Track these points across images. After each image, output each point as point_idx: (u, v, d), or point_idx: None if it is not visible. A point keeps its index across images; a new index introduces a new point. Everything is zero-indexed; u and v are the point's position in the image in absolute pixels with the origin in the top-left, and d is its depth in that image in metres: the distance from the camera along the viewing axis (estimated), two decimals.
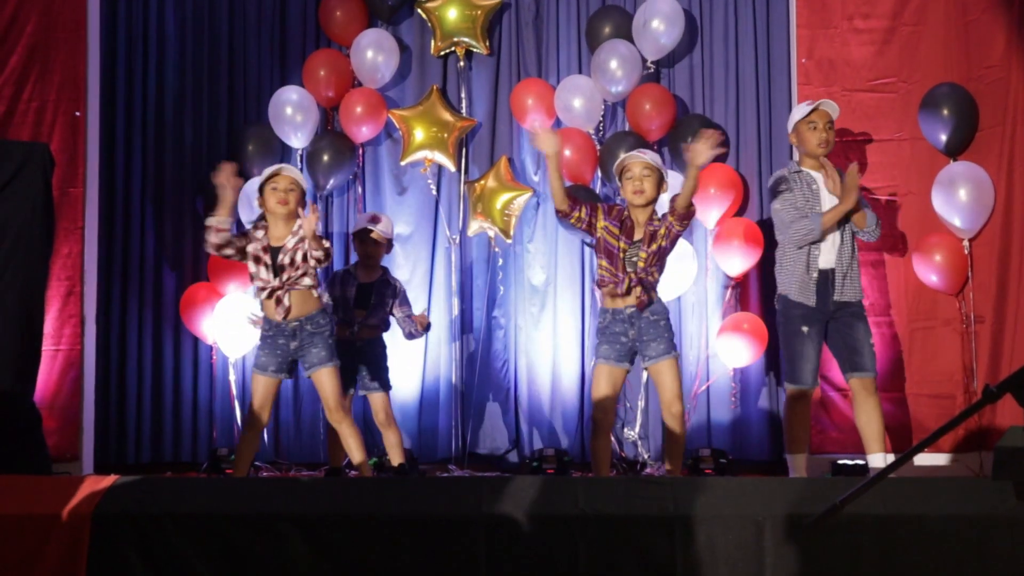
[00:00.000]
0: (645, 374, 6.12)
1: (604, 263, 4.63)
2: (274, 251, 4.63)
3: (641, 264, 4.55)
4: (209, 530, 3.23)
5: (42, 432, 4.74)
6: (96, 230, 6.06)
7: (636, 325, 4.57)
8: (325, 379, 4.67)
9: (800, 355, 4.85)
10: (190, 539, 3.22)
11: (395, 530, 3.23)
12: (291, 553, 3.21)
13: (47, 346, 5.67)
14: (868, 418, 4.84)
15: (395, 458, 5.32)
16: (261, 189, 4.67)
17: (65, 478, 4.06)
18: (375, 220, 5.34)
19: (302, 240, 4.61)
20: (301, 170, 6.34)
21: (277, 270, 4.61)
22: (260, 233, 4.67)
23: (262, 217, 4.74)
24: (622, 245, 4.58)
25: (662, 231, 4.57)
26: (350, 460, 4.89)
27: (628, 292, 4.54)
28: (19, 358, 4.57)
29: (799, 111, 4.95)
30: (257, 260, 4.64)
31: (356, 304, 5.23)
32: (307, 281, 4.63)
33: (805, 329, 4.82)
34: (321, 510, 3.27)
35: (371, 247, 5.29)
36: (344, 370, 5.16)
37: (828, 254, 4.84)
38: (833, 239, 4.85)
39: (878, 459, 4.80)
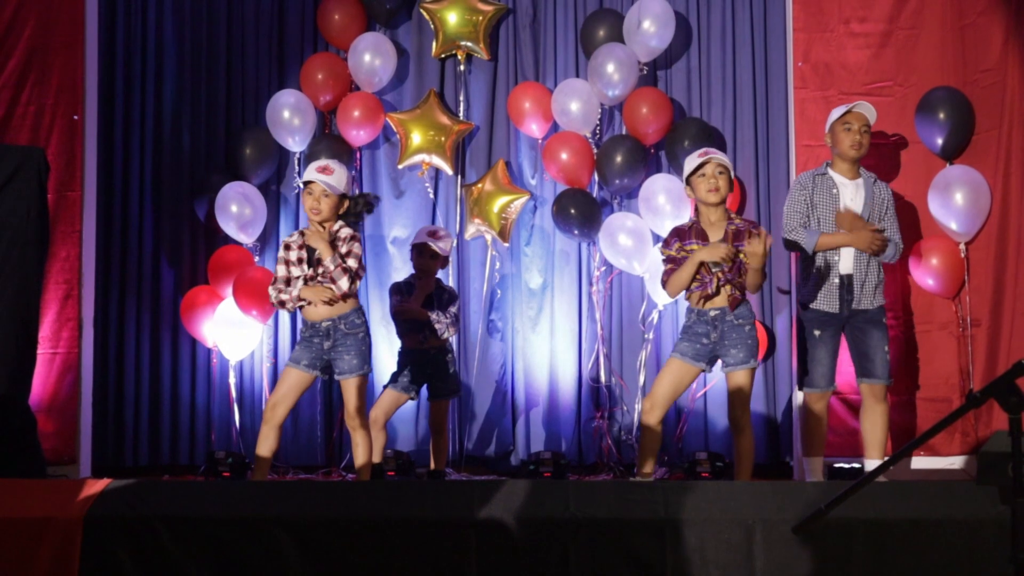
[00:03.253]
0: (642, 377, 6.14)
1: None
2: (311, 248, 4.59)
3: (729, 264, 4.44)
4: (201, 533, 3.24)
5: (36, 435, 4.75)
6: (94, 233, 6.07)
7: (719, 328, 4.47)
8: (352, 387, 4.58)
9: (812, 359, 4.87)
10: (182, 542, 3.23)
11: (386, 534, 3.24)
12: (282, 557, 3.22)
13: (45, 349, 5.68)
14: (872, 425, 4.86)
15: (436, 462, 5.41)
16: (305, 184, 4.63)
17: (57, 481, 4.08)
18: (434, 235, 5.31)
19: (336, 240, 4.57)
20: (299, 173, 6.35)
21: (313, 263, 4.57)
22: (294, 236, 4.65)
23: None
24: (699, 247, 4.49)
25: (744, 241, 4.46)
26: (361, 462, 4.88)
27: (717, 291, 4.45)
28: (14, 361, 4.58)
29: (836, 112, 4.94)
30: (295, 262, 4.59)
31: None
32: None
33: (817, 333, 4.83)
34: (312, 513, 3.28)
35: (428, 260, 5.28)
36: (417, 378, 5.27)
37: (847, 260, 4.84)
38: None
39: (876, 464, 4.81)
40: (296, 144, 6.32)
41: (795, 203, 4.90)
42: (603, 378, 6.26)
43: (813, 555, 3.14)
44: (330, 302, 4.52)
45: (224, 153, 6.47)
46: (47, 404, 5.71)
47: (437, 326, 5.24)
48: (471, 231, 6.36)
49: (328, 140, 6.36)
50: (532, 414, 6.34)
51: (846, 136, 4.86)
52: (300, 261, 4.58)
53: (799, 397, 5.19)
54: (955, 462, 5.54)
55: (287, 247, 4.63)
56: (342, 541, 3.22)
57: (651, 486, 3.39)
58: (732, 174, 4.59)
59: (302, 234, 4.65)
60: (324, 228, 4.57)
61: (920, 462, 5.55)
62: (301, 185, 4.70)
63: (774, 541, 3.15)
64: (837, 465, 5.53)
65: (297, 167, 6.39)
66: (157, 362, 6.38)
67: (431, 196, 6.47)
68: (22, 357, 4.68)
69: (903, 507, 3.18)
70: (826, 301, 4.83)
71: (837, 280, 4.81)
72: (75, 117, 5.93)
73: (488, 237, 6.36)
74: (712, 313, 4.49)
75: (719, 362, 4.58)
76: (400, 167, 6.45)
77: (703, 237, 4.52)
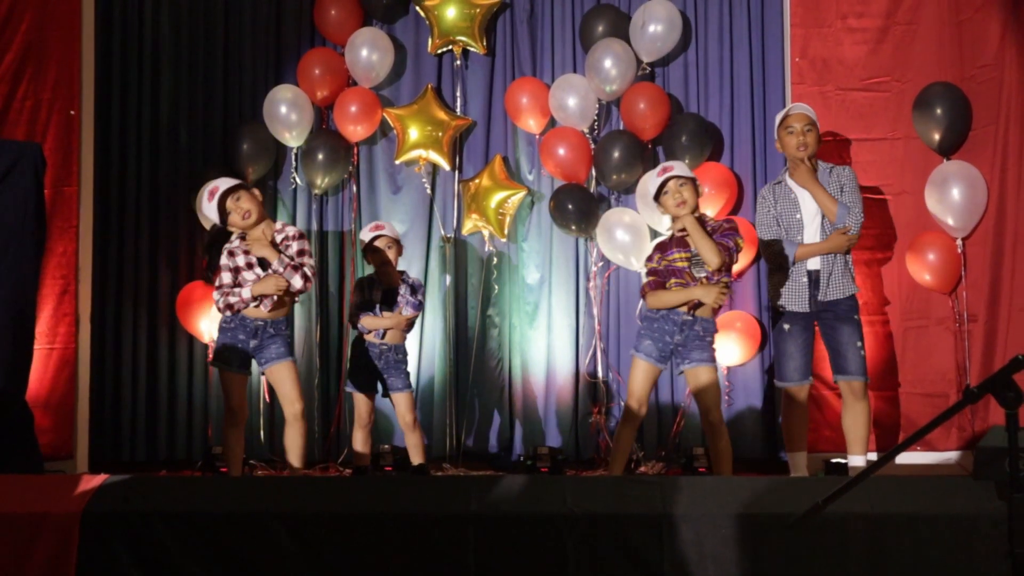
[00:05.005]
0: None
1: (673, 282, 4.62)
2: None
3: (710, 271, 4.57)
4: (198, 528, 3.24)
5: (34, 431, 4.75)
6: (91, 229, 6.08)
7: (684, 333, 4.59)
8: (285, 373, 4.72)
9: (783, 353, 4.93)
10: (179, 537, 3.23)
11: (384, 528, 3.24)
12: (280, 552, 3.22)
13: (42, 344, 5.68)
14: (853, 421, 4.89)
15: (415, 458, 5.39)
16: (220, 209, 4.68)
17: (54, 477, 4.07)
18: (378, 228, 5.34)
19: (285, 240, 4.71)
20: (296, 168, 6.36)
21: (264, 265, 4.67)
22: (236, 242, 4.70)
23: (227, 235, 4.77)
24: (680, 254, 4.59)
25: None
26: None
27: (698, 306, 4.55)
28: (10, 357, 4.58)
29: (777, 119, 5.04)
30: (245, 268, 4.67)
31: (384, 308, 5.26)
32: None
33: (787, 327, 4.90)
34: (310, 509, 3.28)
35: (383, 254, 5.28)
36: (369, 374, 5.23)
37: (815, 257, 4.87)
38: (814, 239, 4.87)
39: (859, 461, 4.86)
40: (293, 139, 6.31)
41: (764, 219, 5.01)
42: (600, 374, 6.26)
43: (810, 550, 3.15)
44: (283, 295, 4.64)
45: (221, 148, 6.45)
46: (44, 400, 5.71)
47: (406, 309, 5.26)
48: (468, 227, 6.36)
49: (325, 135, 6.35)
50: (529, 410, 6.34)
51: (790, 139, 4.93)
52: (251, 266, 4.66)
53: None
54: (952, 457, 5.55)
55: (231, 254, 4.69)
56: (340, 536, 3.22)
57: (649, 481, 3.39)
58: (695, 183, 4.65)
59: (242, 239, 4.71)
60: (262, 231, 4.67)
61: (917, 457, 5.56)
62: (216, 213, 4.67)
63: (771, 536, 3.15)
64: (834, 460, 5.54)
65: (294, 163, 6.38)
66: (154, 357, 6.37)
67: (428, 192, 6.46)
68: (19, 352, 4.68)
69: (900, 502, 3.19)
70: (794, 300, 4.89)
71: (805, 279, 4.88)
72: (72, 112, 5.93)
73: (485, 233, 6.35)
74: (684, 317, 4.57)
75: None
76: (397, 162, 6.44)
77: (683, 245, 4.63)
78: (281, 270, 4.60)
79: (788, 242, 4.93)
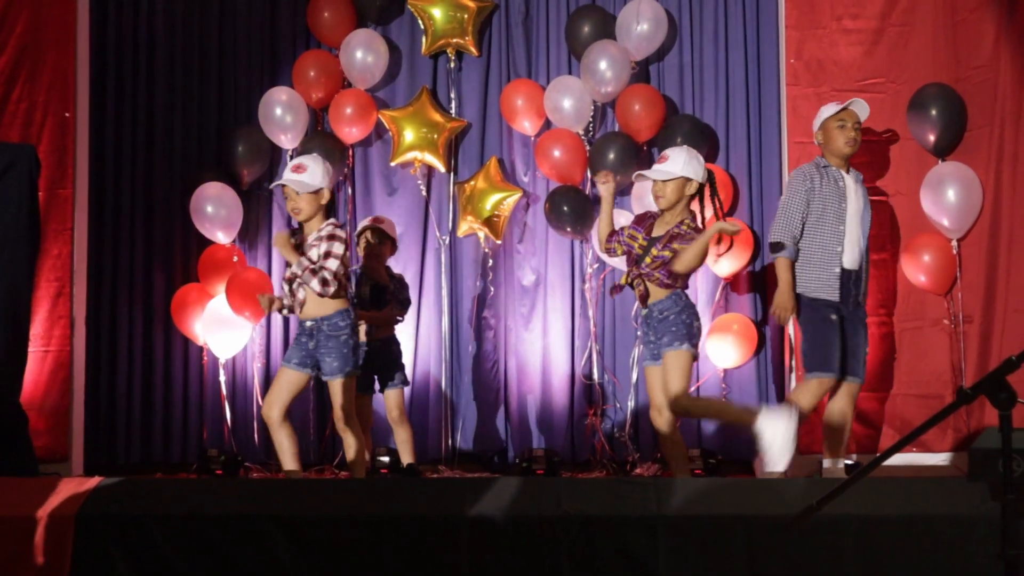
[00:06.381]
0: (634, 374, 6.14)
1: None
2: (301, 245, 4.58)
3: (648, 260, 4.46)
4: (192, 531, 3.25)
5: (28, 433, 4.75)
6: (86, 231, 6.06)
7: (650, 324, 4.52)
8: (338, 389, 4.56)
9: (830, 343, 4.72)
10: (173, 540, 3.24)
11: (378, 531, 3.24)
12: (274, 554, 3.23)
13: (37, 347, 5.67)
14: (842, 419, 4.84)
15: (405, 456, 5.39)
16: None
17: (49, 479, 4.06)
18: (377, 220, 5.41)
19: (318, 240, 4.51)
20: None
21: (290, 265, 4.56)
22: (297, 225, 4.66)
23: None
24: (640, 240, 4.54)
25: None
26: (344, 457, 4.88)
27: (626, 286, 4.53)
28: (5, 360, 4.58)
29: (828, 109, 4.90)
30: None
31: (371, 305, 5.28)
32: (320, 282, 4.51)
33: (834, 317, 4.73)
34: (304, 511, 3.29)
35: (375, 246, 5.32)
36: (367, 373, 5.25)
37: (851, 254, 4.81)
38: (855, 240, 4.81)
39: (841, 463, 4.84)
40: (288, 141, 6.31)
41: (796, 200, 4.80)
42: (596, 375, 6.25)
43: (805, 551, 3.15)
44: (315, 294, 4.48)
45: (216, 151, 6.45)
46: (39, 402, 5.70)
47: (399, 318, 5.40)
48: (464, 228, 6.36)
49: (320, 137, 6.35)
50: (525, 411, 6.33)
51: (840, 133, 4.82)
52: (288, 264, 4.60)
53: (793, 391, 5.18)
54: (946, 458, 5.55)
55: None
56: (335, 538, 3.23)
57: (643, 483, 3.40)
58: (688, 182, 4.48)
59: (293, 233, 4.64)
60: (307, 227, 4.55)
61: (911, 458, 5.55)
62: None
63: (766, 537, 3.16)
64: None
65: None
66: (149, 359, 6.37)
67: (424, 194, 6.46)
68: (13, 355, 4.68)
69: (895, 503, 3.20)
70: (827, 291, 4.77)
71: (839, 270, 4.76)
72: (67, 114, 5.92)
73: (481, 234, 6.35)
74: (643, 312, 4.57)
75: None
76: (393, 164, 6.44)
77: (649, 231, 4.57)
78: (299, 273, 4.45)
79: (789, 250, 4.79)
